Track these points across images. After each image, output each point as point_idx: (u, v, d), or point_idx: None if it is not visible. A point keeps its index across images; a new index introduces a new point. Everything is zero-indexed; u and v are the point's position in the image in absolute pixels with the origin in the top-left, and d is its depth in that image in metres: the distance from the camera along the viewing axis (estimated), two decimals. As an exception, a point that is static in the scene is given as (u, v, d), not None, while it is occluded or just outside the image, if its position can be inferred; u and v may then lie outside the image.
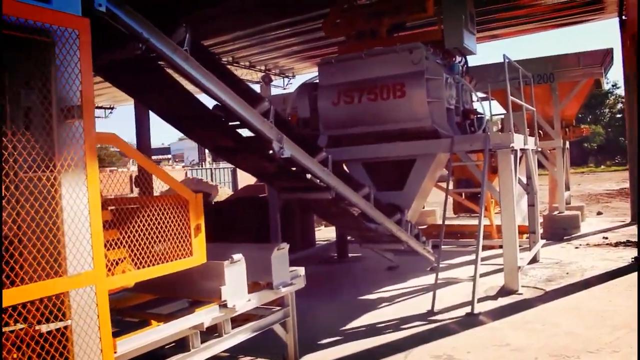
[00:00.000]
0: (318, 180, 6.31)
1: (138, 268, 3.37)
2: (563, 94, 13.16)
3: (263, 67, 18.69)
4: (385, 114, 8.29)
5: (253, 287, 4.77)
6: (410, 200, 8.44)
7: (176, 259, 3.52)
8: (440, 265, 9.72)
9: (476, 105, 9.70)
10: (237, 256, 4.29)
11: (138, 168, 15.66)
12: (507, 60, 8.16)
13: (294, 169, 6.10)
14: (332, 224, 9.04)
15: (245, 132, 5.52)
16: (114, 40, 4.27)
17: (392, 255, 9.77)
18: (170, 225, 3.44)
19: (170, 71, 4.89)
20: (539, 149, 10.49)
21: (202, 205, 3.66)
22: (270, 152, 5.43)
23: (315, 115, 8.92)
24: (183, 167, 44.92)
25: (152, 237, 3.32)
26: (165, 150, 70.98)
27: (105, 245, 3.20)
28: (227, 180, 32.87)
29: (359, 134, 8.65)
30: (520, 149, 8.92)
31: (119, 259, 3.26)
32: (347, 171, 8.94)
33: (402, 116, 8.20)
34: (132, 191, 15.27)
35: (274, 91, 19.32)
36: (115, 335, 3.69)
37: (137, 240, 3.26)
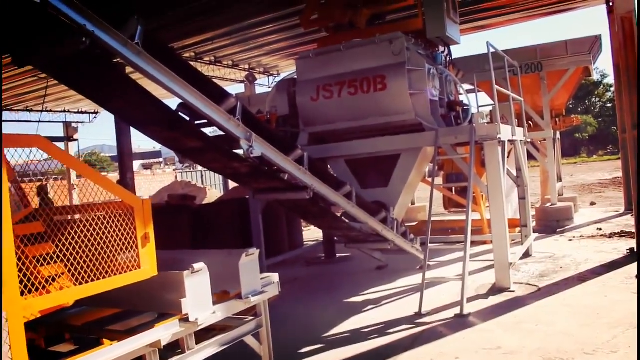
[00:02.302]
0: (294, 180, 5.99)
1: (80, 284, 3.02)
2: (552, 84, 12.86)
3: (247, 66, 18.32)
4: (366, 108, 7.94)
5: (222, 296, 4.42)
6: (396, 197, 8.12)
7: (121, 273, 3.16)
8: (431, 263, 9.48)
9: (463, 97, 9.38)
10: (199, 265, 3.93)
11: (119, 173, 15.32)
12: (490, 49, 7.81)
13: (267, 168, 5.76)
14: (314, 225, 8.69)
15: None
16: (60, 34, 3.92)
17: (381, 255, 9.44)
18: (112, 236, 3.09)
19: (133, 72, 4.53)
20: (529, 140, 10.18)
21: (150, 212, 3.31)
22: (240, 151, 5.10)
23: (295, 112, 8.57)
24: (174, 170, 44.46)
25: (92, 250, 2.97)
26: (157, 154, 70.39)
27: (39, 261, 2.87)
28: (217, 182, 32.44)
29: (341, 130, 8.32)
30: (509, 141, 8.62)
31: (56, 275, 2.91)
32: (330, 169, 8.66)
33: (384, 110, 7.86)
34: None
35: (259, 90, 18.96)
36: (74, 354, 3.36)
37: (74, 254, 2.91)
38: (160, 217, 10.51)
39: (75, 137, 24.32)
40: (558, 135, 14.93)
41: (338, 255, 11.18)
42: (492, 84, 7.66)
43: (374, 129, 8.16)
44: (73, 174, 24.65)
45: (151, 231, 3.32)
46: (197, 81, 4.83)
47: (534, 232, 10.50)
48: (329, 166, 8.77)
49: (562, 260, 8.81)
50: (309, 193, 6.02)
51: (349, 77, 7.96)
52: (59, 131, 24.19)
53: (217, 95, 4.89)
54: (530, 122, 13.16)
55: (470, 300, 6.85)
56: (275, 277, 4.87)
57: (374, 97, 7.82)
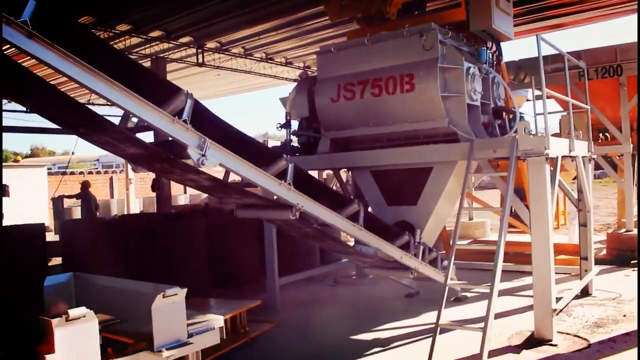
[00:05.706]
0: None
1: None
2: (634, 91, 11.08)
3: (302, 64, 17.38)
4: (392, 112, 6.77)
5: (137, 345, 3.47)
6: (425, 217, 6.93)
7: None
8: (469, 295, 8.19)
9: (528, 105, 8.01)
10: (77, 311, 2.98)
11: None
12: (543, 45, 6.40)
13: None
14: (320, 246, 7.59)
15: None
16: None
17: (411, 281, 8.20)
18: None
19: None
20: (594, 156, 8.60)
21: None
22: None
23: (315, 114, 7.53)
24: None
25: None
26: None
27: None
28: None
29: (364, 136, 7.20)
30: (568, 156, 7.20)
31: None
32: (353, 183, 7.59)
33: (413, 115, 6.66)
34: (153, 190, 14.25)
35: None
36: None
37: None
38: (176, 223, 9.58)
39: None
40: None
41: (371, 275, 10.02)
42: (542, 87, 6.30)
43: (402, 137, 6.99)
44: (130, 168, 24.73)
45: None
46: (137, 74, 3.92)
47: (604, 262, 8.96)
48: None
49: (627, 305, 7.25)
50: (294, 213, 4.95)
51: (373, 76, 6.81)
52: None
53: (160, 91, 3.93)
54: (606, 134, 11.47)
55: (496, 353, 5.56)
56: (218, 321, 3.86)
57: (401, 99, 6.63)
